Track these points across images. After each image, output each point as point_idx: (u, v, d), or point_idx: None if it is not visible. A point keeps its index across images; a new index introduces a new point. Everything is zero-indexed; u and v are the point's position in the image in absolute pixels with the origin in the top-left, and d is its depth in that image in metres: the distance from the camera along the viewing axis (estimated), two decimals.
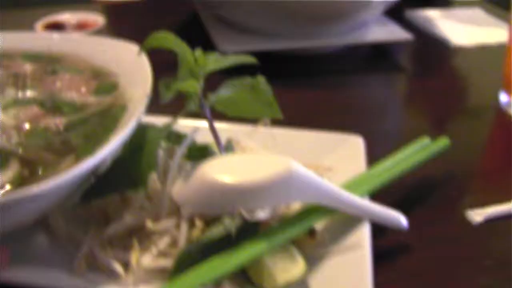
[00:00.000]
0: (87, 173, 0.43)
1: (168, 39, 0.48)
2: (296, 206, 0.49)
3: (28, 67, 0.59)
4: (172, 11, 1.02)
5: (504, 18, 1.03)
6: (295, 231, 0.47)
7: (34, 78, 0.57)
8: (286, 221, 0.47)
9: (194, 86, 0.46)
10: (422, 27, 1.00)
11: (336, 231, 0.49)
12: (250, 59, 0.50)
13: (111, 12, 0.93)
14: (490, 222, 0.56)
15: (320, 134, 0.59)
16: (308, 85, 0.61)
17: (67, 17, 0.81)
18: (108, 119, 0.50)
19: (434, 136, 0.59)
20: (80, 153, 0.46)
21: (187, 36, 0.51)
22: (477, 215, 0.57)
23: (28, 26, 0.79)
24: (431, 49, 0.93)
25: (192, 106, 0.48)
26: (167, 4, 1.07)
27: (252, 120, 0.57)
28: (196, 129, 0.49)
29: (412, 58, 0.90)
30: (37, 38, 0.63)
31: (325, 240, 0.48)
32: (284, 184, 0.45)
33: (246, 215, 0.44)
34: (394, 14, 0.92)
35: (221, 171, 0.45)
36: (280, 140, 0.57)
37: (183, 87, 0.47)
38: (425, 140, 0.59)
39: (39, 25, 0.80)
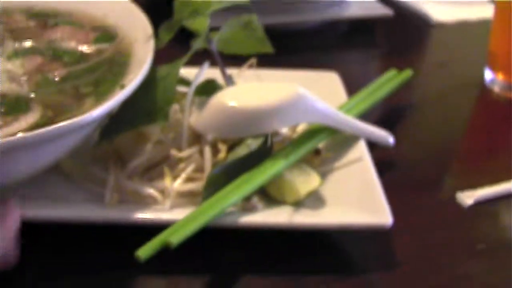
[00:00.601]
0: (109, 113, 0.45)
1: None
2: (300, 129, 0.54)
3: (26, 23, 0.59)
4: None
5: None
6: (305, 150, 0.51)
7: (33, 32, 0.58)
8: (295, 143, 0.51)
9: (203, 23, 0.50)
10: (402, 3, 0.99)
11: (337, 149, 0.54)
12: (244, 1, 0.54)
13: None
14: (480, 204, 0.54)
15: (302, 73, 0.64)
16: (286, 61, 0.63)
17: None
18: (115, 65, 0.52)
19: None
20: (97, 97, 0.48)
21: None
22: (468, 198, 0.55)
23: None
24: (412, 25, 0.94)
25: (199, 43, 0.51)
26: None
27: (238, 62, 0.60)
28: (205, 65, 0.52)
29: (391, 34, 0.91)
30: None
31: (329, 157, 0.53)
32: (293, 106, 0.50)
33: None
34: None
35: (237, 98, 0.49)
36: (266, 79, 0.61)
37: (193, 25, 0.50)
38: (392, 72, 0.65)
39: None
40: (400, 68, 0.66)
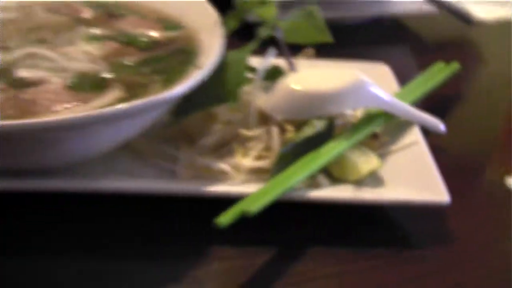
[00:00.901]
0: (187, 91, 0.48)
1: None
2: (359, 113, 0.57)
3: (90, 13, 0.63)
4: None
5: None
6: (364, 133, 0.54)
7: (101, 21, 0.61)
8: (355, 126, 0.54)
9: (271, 11, 0.53)
10: (445, 1, 0.96)
11: (393, 133, 0.57)
12: None
13: None
14: None
15: (355, 64, 0.67)
16: (337, 53, 0.66)
17: None
18: (185, 51, 0.56)
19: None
20: (171, 79, 0.52)
21: None
22: None
23: None
24: (454, 22, 0.95)
25: (266, 30, 0.54)
26: None
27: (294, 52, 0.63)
28: (272, 51, 0.55)
29: (434, 30, 0.94)
30: None
31: (386, 141, 0.56)
32: (354, 91, 0.53)
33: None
34: None
35: (303, 82, 0.52)
36: (318, 67, 0.64)
37: (261, 13, 0.53)
38: (440, 65, 0.68)
39: None
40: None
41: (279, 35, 0.55)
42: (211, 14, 0.58)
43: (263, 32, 0.54)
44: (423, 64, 0.69)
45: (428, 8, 0.91)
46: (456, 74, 0.68)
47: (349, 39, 0.65)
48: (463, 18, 0.94)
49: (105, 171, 0.50)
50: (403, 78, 0.67)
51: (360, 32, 0.87)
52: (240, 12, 0.55)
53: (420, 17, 0.92)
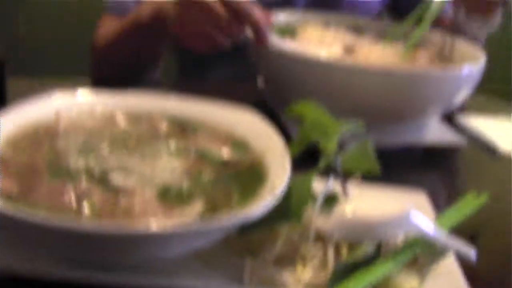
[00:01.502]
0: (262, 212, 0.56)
1: (310, 107, 0.63)
2: (401, 239, 0.64)
3: (165, 125, 0.72)
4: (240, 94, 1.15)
5: None
6: (407, 256, 0.61)
7: (177, 135, 0.70)
8: (399, 250, 0.62)
9: (333, 144, 0.62)
10: (471, 131, 1.08)
11: (431, 258, 0.64)
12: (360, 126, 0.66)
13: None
14: None
15: (396, 192, 0.75)
16: (373, 178, 0.74)
17: None
18: (253, 172, 0.64)
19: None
20: (243, 198, 0.60)
21: None
22: None
23: None
24: (479, 153, 1.03)
25: (327, 161, 0.63)
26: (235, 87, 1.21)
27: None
28: (331, 180, 0.64)
29: (462, 159, 1.01)
30: (167, 102, 0.76)
31: (425, 265, 0.63)
32: (399, 220, 0.60)
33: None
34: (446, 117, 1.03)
35: (358, 210, 0.60)
36: (366, 193, 0.72)
37: (323, 145, 0.62)
38: (471, 195, 0.76)
39: None
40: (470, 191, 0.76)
41: (338, 166, 0.63)
42: (276, 139, 0.67)
43: (323, 162, 0.63)
44: (452, 192, 0.77)
45: (458, 139, 0.99)
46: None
47: (387, 164, 0.73)
48: (489, 149, 1.03)
49: (176, 271, 0.58)
50: (435, 203, 0.75)
51: (396, 158, 0.95)
52: (303, 141, 0.64)
53: (450, 147, 1.00)
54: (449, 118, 1.04)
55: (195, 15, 0.94)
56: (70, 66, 1.56)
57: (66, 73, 1.39)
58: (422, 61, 1.02)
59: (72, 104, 0.74)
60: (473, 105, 1.04)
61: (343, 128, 0.63)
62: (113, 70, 1.16)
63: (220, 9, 0.92)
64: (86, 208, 0.55)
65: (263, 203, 0.55)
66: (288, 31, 1.08)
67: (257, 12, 0.93)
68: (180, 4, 0.96)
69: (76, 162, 0.63)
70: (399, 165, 0.94)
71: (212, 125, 0.73)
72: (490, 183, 0.97)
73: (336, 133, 0.63)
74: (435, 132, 1.00)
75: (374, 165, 0.66)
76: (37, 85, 1.16)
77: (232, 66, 1.28)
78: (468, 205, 0.73)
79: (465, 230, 0.73)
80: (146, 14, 1.04)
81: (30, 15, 1.51)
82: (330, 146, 0.62)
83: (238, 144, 0.69)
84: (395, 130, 0.96)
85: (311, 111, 0.63)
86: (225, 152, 0.67)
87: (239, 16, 0.93)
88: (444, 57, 1.08)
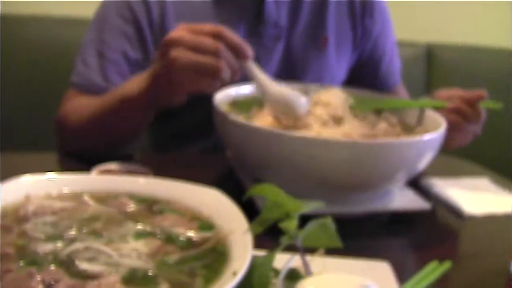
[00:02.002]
0: None
1: (270, 189, 0.65)
2: None
3: (132, 206, 0.74)
4: (209, 164, 1.18)
5: (510, 188, 1.18)
6: None
7: (143, 216, 0.72)
8: None
9: (293, 224, 0.64)
10: (436, 194, 1.12)
11: None
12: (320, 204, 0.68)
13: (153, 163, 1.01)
14: None
15: (359, 262, 0.77)
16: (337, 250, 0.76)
17: (115, 167, 0.96)
18: (218, 252, 0.66)
19: None
20: (207, 279, 0.62)
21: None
22: None
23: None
24: (445, 216, 1.06)
25: (287, 240, 0.65)
26: (205, 158, 1.24)
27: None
28: (291, 259, 0.66)
29: (428, 224, 1.03)
30: (133, 182, 0.78)
31: None
32: None
33: None
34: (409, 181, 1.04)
35: (318, 287, 0.62)
36: (329, 266, 0.74)
37: (284, 225, 0.64)
38: (434, 263, 0.78)
39: (95, 171, 0.94)
40: (437, 258, 0.78)
41: (299, 243, 0.65)
42: (240, 218, 0.69)
43: (285, 241, 0.65)
44: (418, 258, 0.78)
45: (423, 204, 1.02)
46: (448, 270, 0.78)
47: (348, 233, 0.75)
48: (456, 212, 1.06)
49: None
50: (400, 271, 0.77)
51: (359, 225, 0.97)
52: (265, 221, 0.66)
53: (415, 213, 1.02)
54: (412, 182, 1.07)
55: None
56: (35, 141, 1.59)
57: (32, 147, 1.41)
58: (383, 128, 1.05)
59: (41, 186, 0.76)
60: (435, 166, 1.08)
61: (303, 209, 0.65)
62: (86, 145, 1.17)
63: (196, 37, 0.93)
64: None
65: (226, 286, 0.56)
66: (254, 103, 1.12)
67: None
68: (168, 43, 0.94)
69: (44, 247, 0.64)
70: (365, 233, 0.97)
71: (178, 206, 0.75)
72: (457, 245, 0.99)
73: (296, 213, 0.65)
74: (400, 198, 1.03)
75: (335, 240, 0.68)
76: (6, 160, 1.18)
77: (209, 138, 1.31)
78: (432, 272, 0.76)
79: None
80: (138, 86, 1.04)
81: None
82: (290, 226, 0.64)
83: (204, 223, 0.71)
84: (360, 198, 0.99)
85: (271, 193, 0.66)
86: (191, 233, 0.69)
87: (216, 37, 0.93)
88: (405, 124, 1.12)
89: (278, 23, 1.28)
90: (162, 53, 0.95)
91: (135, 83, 1.06)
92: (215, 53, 0.91)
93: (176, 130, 1.37)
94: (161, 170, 0.91)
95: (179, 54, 0.92)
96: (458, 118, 1.17)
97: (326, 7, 1.33)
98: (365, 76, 1.43)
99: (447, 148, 1.08)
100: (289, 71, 1.31)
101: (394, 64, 1.47)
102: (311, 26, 1.33)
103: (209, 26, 0.93)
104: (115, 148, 1.14)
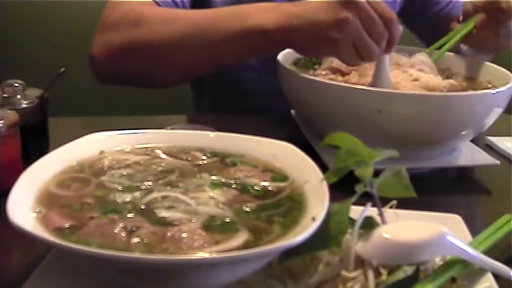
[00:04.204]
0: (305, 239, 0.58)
1: (343, 137, 0.65)
2: (438, 261, 0.66)
3: (205, 159, 0.75)
4: (274, 123, 1.18)
5: None
6: (444, 278, 0.63)
7: (217, 168, 0.73)
8: (437, 271, 0.64)
9: (369, 171, 0.64)
10: (502, 152, 1.11)
11: (469, 279, 0.66)
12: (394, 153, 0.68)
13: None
14: None
15: (432, 214, 0.77)
16: (410, 202, 0.75)
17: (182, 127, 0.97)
18: (294, 201, 0.67)
19: None
20: (284, 225, 0.62)
21: None
22: None
23: None
24: (509, 173, 1.05)
25: (363, 188, 0.65)
26: (269, 118, 1.24)
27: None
28: (368, 206, 0.66)
29: (496, 180, 1.02)
30: (204, 137, 0.80)
31: (464, 285, 0.65)
32: (438, 242, 0.62)
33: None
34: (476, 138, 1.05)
35: (396, 233, 0.62)
36: (402, 219, 0.74)
37: (359, 172, 0.64)
38: (507, 217, 0.77)
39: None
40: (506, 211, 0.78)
41: (374, 192, 0.65)
42: (314, 169, 0.69)
43: (360, 189, 0.65)
44: (488, 212, 0.78)
45: (491, 160, 1.00)
46: None
47: (419, 188, 0.75)
48: None
49: None
50: (471, 225, 0.77)
51: (428, 181, 0.97)
52: (339, 170, 0.66)
53: (483, 168, 1.01)
54: (477, 140, 1.06)
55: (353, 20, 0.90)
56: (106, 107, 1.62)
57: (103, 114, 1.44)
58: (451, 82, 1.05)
59: (114, 142, 0.77)
60: (501, 124, 1.06)
61: (378, 156, 0.65)
62: (145, 66, 1.05)
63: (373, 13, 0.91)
64: (136, 240, 0.58)
65: (303, 231, 0.57)
66: (317, 61, 1.12)
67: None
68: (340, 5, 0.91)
69: (123, 197, 0.66)
70: (434, 189, 0.96)
71: (251, 158, 0.76)
72: None
73: (371, 161, 0.65)
74: (467, 154, 1.02)
75: (409, 190, 0.68)
76: (77, 124, 1.21)
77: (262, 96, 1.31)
78: (503, 226, 0.75)
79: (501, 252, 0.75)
80: (273, 22, 0.96)
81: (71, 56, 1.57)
82: (366, 173, 0.64)
83: (278, 175, 0.72)
84: (428, 154, 0.98)
85: (345, 141, 0.66)
86: (265, 183, 0.70)
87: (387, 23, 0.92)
88: (472, 79, 1.11)
89: None
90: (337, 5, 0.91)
91: (261, 14, 0.98)
92: (379, 41, 0.90)
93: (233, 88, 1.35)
94: (225, 129, 0.91)
95: (354, 20, 0.90)
96: (491, 19, 1.14)
97: None
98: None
99: (496, 52, 1.06)
100: None
101: None
102: None
103: (387, 8, 0.91)
104: (177, 78, 1.09)
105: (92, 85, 1.26)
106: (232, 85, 1.37)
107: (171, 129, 0.95)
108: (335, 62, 1.07)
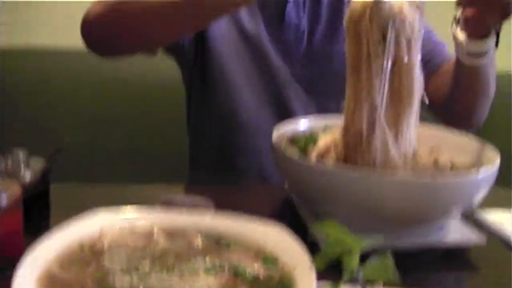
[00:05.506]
0: None
1: (331, 226, 0.69)
2: None
3: (201, 241, 0.79)
4: (268, 197, 1.23)
5: None
6: None
7: (210, 250, 0.77)
8: None
9: (355, 260, 0.67)
10: (490, 227, 1.11)
11: None
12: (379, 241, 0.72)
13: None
14: None
15: None
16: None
17: (178, 198, 1.02)
18: (283, 287, 0.70)
19: None
20: None
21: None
22: None
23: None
24: (498, 250, 1.06)
25: (349, 275, 0.68)
26: (263, 190, 1.29)
27: None
28: None
29: (482, 257, 1.03)
30: (198, 218, 0.83)
31: None
32: None
33: None
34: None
35: None
36: None
37: (346, 262, 0.68)
38: None
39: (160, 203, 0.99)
40: None
41: (360, 277, 0.69)
42: (303, 253, 0.73)
43: (347, 275, 0.68)
44: None
45: (478, 237, 1.03)
46: None
47: (406, 265, 0.78)
48: (508, 245, 1.07)
49: None
50: None
51: (415, 258, 0.99)
52: (327, 257, 0.70)
53: (469, 246, 1.04)
54: (467, 215, 1.09)
55: None
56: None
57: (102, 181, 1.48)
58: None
59: (115, 221, 0.81)
60: (488, 198, 1.09)
61: (364, 245, 0.69)
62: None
63: None
64: None
65: None
66: (312, 140, 1.16)
67: None
68: None
69: (121, 280, 0.69)
70: (420, 266, 0.99)
71: (244, 240, 0.79)
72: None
73: (357, 250, 0.68)
74: (454, 231, 1.05)
75: (394, 276, 0.71)
76: (77, 191, 1.25)
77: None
78: None
79: None
80: None
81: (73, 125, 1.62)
82: (352, 261, 0.68)
83: (269, 259, 0.75)
84: (414, 232, 1.02)
85: (333, 230, 0.70)
86: (257, 268, 0.73)
87: None
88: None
89: (299, 28, 1.37)
90: None
91: None
92: None
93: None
94: (221, 201, 0.97)
95: None
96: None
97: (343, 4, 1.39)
98: None
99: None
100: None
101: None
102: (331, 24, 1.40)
103: None
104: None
105: (92, 149, 1.30)
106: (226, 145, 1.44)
107: (169, 201, 0.99)
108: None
